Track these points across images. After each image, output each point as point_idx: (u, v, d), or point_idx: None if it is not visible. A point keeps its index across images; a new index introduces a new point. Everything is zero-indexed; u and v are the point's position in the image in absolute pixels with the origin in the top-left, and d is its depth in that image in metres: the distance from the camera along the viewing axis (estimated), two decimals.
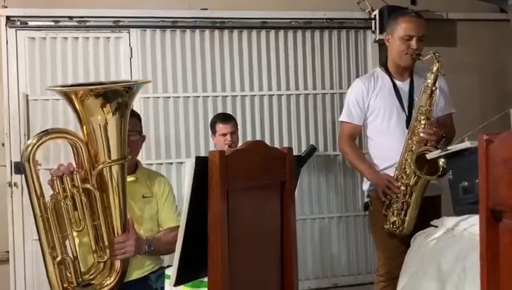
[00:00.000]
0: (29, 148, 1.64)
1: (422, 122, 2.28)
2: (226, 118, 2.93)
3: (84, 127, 1.72)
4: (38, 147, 1.65)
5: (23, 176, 2.96)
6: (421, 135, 2.27)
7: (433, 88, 2.30)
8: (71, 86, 1.95)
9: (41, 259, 1.73)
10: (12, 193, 3.07)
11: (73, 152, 1.75)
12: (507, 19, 3.54)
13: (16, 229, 3.06)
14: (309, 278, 3.39)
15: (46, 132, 1.70)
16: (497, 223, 0.92)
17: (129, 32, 3.23)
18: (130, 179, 1.98)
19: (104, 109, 1.68)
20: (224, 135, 2.86)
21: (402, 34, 2.37)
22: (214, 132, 2.94)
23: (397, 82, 2.46)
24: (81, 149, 1.71)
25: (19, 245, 3.06)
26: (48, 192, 1.72)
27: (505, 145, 0.90)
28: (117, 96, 1.70)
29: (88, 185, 1.71)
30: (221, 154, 1.26)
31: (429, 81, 2.30)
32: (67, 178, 1.70)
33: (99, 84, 1.82)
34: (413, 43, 2.35)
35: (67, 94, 1.70)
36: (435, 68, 2.29)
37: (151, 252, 1.96)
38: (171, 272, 1.32)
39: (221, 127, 2.88)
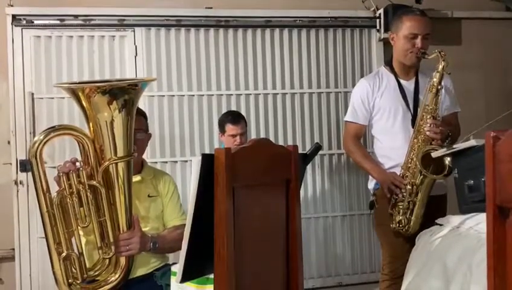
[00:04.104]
0: (37, 145, 1.65)
1: (428, 121, 2.27)
2: (236, 119, 2.90)
3: (91, 124, 1.73)
4: (45, 143, 1.66)
5: (28, 174, 3.01)
6: (427, 133, 2.26)
7: (439, 87, 2.29)
8: (78, 83, 1.96)
9: (46, 256, 1.74)
10: (18, 191, 3.08)
11: (80, 149, 1.76)
12: None
13: (21, 226, 3.07)
14: (313, 277, 3.39)
15: (53, 129, 1.71)
16: (504, 220, 0.92)
17: (134, 30, 3.24)
18: (135, 179, 1.98)
19: (110, 106, 1.69)
20: (233, 136, 2.85)
21: (407, 32, 2.36)
22: (222, 130, 2.92)
23: (402, 81, 2.45)
24: (88, 146, 1.72)
25: (25, 243, 3.07)
26: (54, 189, 1.73)
27: None
28: (123, 93, 1.71)
29: (94, 182, 1.72)
30: (227, 152, 1.27)
31: (435, 80, 2.29)
32: (74, 174, 1.71)
33: (105, 82, 1.83)
34: (418, 41, 2.35)
35: (74, 91, 1.71)
36: (440, 67, 2.28)
37: (155, 249, 1.96)
38: (177, 269, 1.32)
39: (230, 128, 2.86)
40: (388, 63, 2.52)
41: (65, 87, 1.80)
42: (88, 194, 1.72)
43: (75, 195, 1.71)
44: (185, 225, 1.32)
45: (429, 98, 2.29)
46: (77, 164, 1.74)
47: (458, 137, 2.47)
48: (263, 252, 1.44)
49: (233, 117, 2.92)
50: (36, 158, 1.65)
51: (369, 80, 2.50)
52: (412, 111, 2.40)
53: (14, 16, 3.10)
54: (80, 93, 1.68)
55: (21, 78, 3.11)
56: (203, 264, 1.36)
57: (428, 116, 2.28)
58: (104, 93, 1.68)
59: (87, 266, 1.80)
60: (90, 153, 1.73)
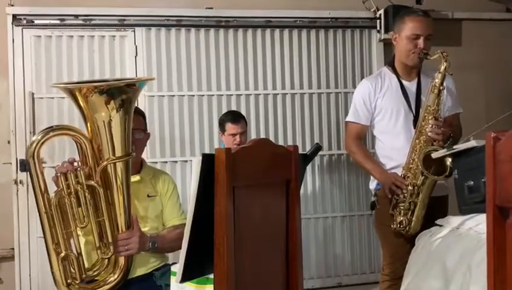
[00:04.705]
0: (34, 145, 1.65)
1: (430, 122, 2.27)
2: (236, 118, 2.91)
3: (89, 124, 1.72)
4: (43, 143, 1.66)
5: (28, 173, 3.00)
6: (429, 134, 2.26)
7: (441, 88, 2.29)
8: (75, 83, 1.96)
9: (46, 256, 1.73)
10: (17, 191, 3.08)
11: (78, 149, 1.76)
12: None
13: (21, 226, 3.07)
14: (313, 277, 3.39)
15: (50, 129, 1.70)
16: (505, 221, 0.91)
17: (134, 30, 3.24)
18: (134, 178, 1.98)
19: (108, 105, 1.68)
20: (233, 135, 2.86)
21: (409, 33, 2.36)
22: (223, 130, 2.93)
23: (404, 82, 2.45)
24: (86, 146, 1.72)
25: (24, 242, 3.08)
26: (52, 189, 1.73)
27: None
28: (121, 93, 1.70)
29: (92, 182, 1.72)
30: (227, 152, 1.26)
31: (437, 80, 2.29)
32: (72, 175, 1.70)
33: (103, 81, 1.82)
34: (421, 42, 2.34)
35: (72, 91, 1.70)
36: (442, 68, 2.28)
37: (155, 249, 1.96)
38: (177, 269, 1.32)
39: (230, 127, 2.87)
40: (390, 64, 2.52)
41: (62, 87, 1.79)
42: (86, 194, 1.71)
43: (73, 195, 1.70)
44: (184, 224, 1.32)
45: (431, 99, 2.29)
46: (75, 164, 1.73)
47: (460, 138, 2.47)
48: (263, 252, 1.43)
49: (233, 116, 2.93)
50: (34, 158, 1.64)
51: (371, 80, 2.50)
52: (413, 112, 2.40)
53: (14, 16, 3.10)
54: (77, 93, 1.67)
55: (21, 78, 3.11)
56: (203, 264, 1.35)
57: (430, 117, 2.28)
58: (102, 93, 1.67)
59: (86, 266, 1.79)
60: (88, 153, 1.72)
